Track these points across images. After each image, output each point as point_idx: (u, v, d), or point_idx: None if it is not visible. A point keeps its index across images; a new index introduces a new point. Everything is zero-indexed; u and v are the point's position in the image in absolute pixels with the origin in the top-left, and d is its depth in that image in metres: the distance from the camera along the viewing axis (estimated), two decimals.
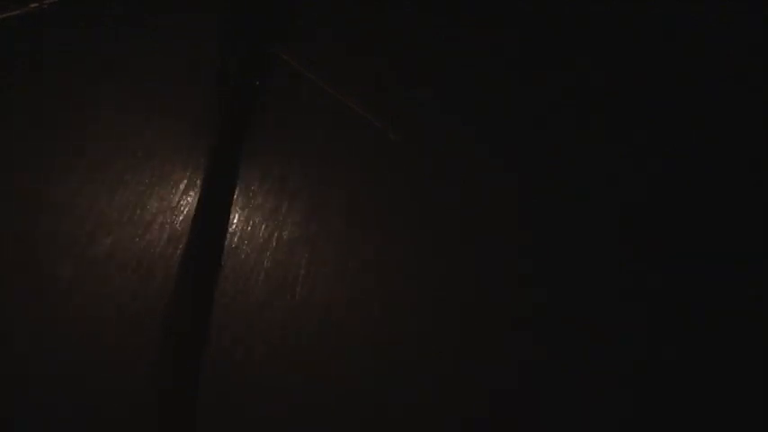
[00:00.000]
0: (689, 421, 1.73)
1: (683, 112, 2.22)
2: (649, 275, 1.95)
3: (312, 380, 1.69)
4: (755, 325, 1.85)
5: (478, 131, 2.23)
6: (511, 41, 2.39)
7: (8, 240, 1.81)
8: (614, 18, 2.35)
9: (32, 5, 2.22)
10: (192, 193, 2.00)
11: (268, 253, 1.90)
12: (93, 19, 2.29)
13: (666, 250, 1.99)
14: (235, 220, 1.96)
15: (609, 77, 2.30)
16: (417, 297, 1.88)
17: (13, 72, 2.14)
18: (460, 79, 2.33)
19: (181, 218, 1.94)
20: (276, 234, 1.94)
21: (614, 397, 1.76)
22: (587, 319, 1.87)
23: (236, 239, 1.92)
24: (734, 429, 1.72)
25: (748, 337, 1.83)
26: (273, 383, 1.68)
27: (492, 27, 2.42)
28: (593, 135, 2.23)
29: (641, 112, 2.24)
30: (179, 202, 1.97)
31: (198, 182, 2.03)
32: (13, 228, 1.83)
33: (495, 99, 2.29)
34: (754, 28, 2.21)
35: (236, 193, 2.03)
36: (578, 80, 2.31)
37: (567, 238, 2.01)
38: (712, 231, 2.01)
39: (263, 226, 1.96)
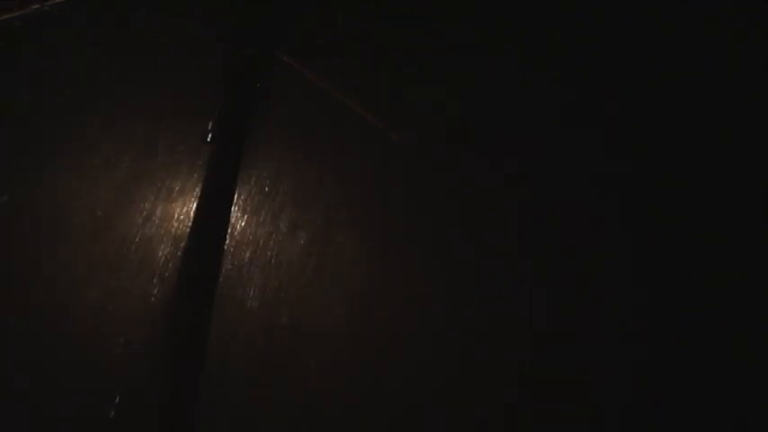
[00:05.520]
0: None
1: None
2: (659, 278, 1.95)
3: (313, 380, 1.69)
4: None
5: (479, 131, 2.23)
6: (511, 41, 2.39)
7: (8, 241, 1.81)
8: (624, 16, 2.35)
9: (34, 7, 2.22)
10: (192, 195, 1.99)
11: (268, 254, 1.90)
12: (94, 21, 2.30)
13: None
14: (235, 222, 1.96)
15: (614, 79, 2.30)
16: (419, 297, 1.87)
17: (13, 73, 2.14)
18: (462, 79, 2.33)
19: (181, 219, 1.93)
20: (276, 236, 1.94)
21: (618, 397, 1.76)
22: (589, 320, 1.87)
23: (236, 241, 1.92)
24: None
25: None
26: (274, 384, 1.67)
27: (492, 27, 2.42)
28: (596, 136, 2.23)
29: (646, 115, 2.24)
30: (180, 203, 1.97)
31: (198, 184, 2.03)
32: (13, 228, 1.83)
33: (495, 98, 2.29)
34: None
35: (237, 194, 2.03)
36: (580, 80, 2.31)
37: (568, 238, 2.01)
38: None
39: (264, 227, 1.96)
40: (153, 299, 1.75)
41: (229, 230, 1.93)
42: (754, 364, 1.77)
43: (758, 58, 2.22)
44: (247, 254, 1.89)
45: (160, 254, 1.84)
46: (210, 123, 2.16)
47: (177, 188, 2.00)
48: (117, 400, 1.58)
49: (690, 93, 2.23)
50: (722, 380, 1.76)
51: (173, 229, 1.90)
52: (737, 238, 1.96)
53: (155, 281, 1.79)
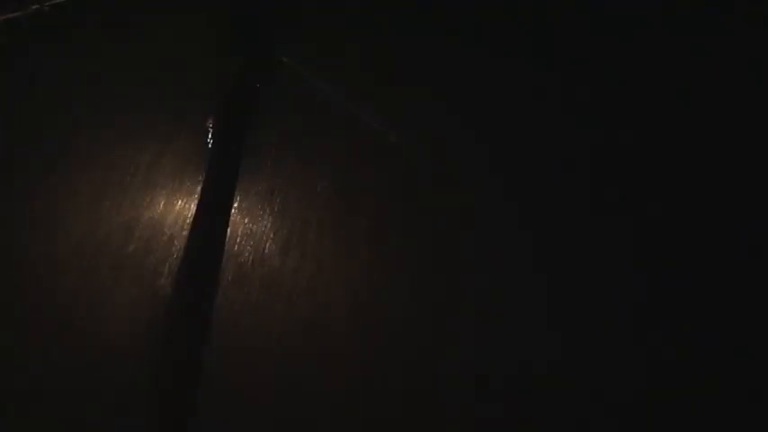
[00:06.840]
0: None
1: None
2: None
3: (313, 378, 1.69)
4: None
5: (478, 132, 2.23)
6: (510, 43, 2.39)
7: (11, 241, 1.81)
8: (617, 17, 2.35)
9: (33, 7, 2.22)
10: (193, 196, 2.00)
11: (267, 255, 1.90)
12: (94, 21, 2.30)
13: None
14: (234, 221, 1.96)
15: (610, 79, 2.30)
16: (417, 299, 1.87)
17: (13, 73, 2.14)
18: (460, 80, 2.33)
19: (182, 219, 1.94)
20: (276, 236, 1.94)
21: (620, 396, 1.76)
22: (581, 317, 1.87)
23: (236, 242, 1.92)
24: None
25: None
26: (272, 384, 1.67)
27: (491, 29, 2.43)
28: (597, 135, 2.23)
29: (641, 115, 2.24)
30: (180, 203, 1.97)
31: (199, 184, 2.03)
32: (15, 229, 1.83)
33: (493, 99, 2.29)
34: None
35: (237, 194, 2.03)
36: (579, 80, 2.31)
37: (565, 237, 2.01)
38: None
39: (264, 226, 1.96)
40: (153, 298, 1.75)
41: (229, 229, 1.93)
42: (754, 364, 1.78)
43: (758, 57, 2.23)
44: (247, 253, 1.89)
45: (161, 253, 1.84)
46: (210, 124, 2.16)
47: (177, 188, 2.00)
48: (117, 399, 1.58)
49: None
50: (722, 379, 1.76)
51: (173, 229, 1.90)
52: (738, 238, 1.97)
53: (155, 280, 1.79)
